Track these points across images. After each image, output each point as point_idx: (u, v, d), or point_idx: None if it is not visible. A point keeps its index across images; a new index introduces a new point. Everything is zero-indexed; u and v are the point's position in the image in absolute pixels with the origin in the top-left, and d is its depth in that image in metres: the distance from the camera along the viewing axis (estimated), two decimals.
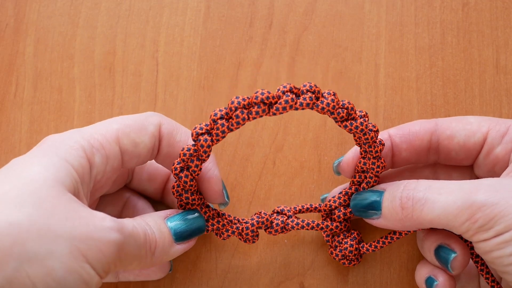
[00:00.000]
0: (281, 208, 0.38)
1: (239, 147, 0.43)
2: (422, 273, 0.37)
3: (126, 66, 0.44)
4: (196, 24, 0.45)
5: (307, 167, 0.42)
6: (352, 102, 0.36)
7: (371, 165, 0.36)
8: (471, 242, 0.34)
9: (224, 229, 0.37)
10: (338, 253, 0.38)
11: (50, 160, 0.30)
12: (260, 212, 0.37)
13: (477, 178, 0.37)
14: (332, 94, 0.32)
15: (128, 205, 0.39)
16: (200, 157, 0.33)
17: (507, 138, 0.35)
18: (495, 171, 0.36)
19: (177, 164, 0.34)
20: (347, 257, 0.38)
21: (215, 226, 0.36)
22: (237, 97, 0.31)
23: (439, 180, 0.34)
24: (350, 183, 0.38)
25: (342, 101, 0.33)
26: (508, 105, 0.43)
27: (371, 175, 0.36)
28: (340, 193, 0.38)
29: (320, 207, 0.38)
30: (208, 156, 0.33)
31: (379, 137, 0.37)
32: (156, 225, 0.33)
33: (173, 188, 0.35)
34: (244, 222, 0.37)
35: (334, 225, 0.38)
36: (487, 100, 0.43)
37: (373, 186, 0.37)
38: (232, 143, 0.42)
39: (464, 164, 0.38)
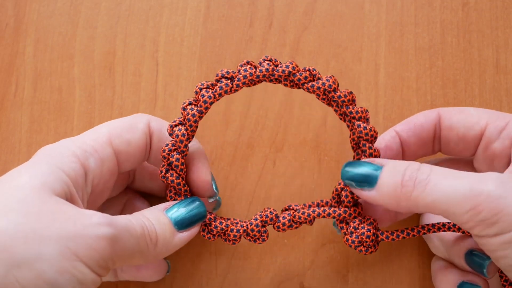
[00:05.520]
0: (288, 205, 0.37)
1: (239, 147, 0.43)
2: (450, 279, 0.36)
3: (126, 66, 0.44)
4: (196, 24, 0.45)
5: (307, 167, 0.42)
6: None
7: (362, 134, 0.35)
8: None
9: (229, 229, 0.36)
10: (355, 239, 0.35)
11: (39, 168, 0.30)
12: (267, 209, 0.36)
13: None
14: (291, 62, 0.34)
15: (127, 207, 0.39)
16: (188, 130, 0.34)
17: (505, 134, 0.35)
18: (494, 166, 0.36)
19: (165, 146, 0.35)
20: (364, 243, 0.35)
21: (218, 228, 0.36)
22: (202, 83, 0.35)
23: (443, 167, 0.32)
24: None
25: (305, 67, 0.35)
26: (508, 105, 0.43)
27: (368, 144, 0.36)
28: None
29: (327, 203, 0.37)
30: (196, 127, 0.34)
31: (386, 135, 0.37)
32: (155, 217, 0.33)
33: (161, 172, 0.35)
34: (251, 220, 0.36)
35: (342, 209, 0.36)
36: (487, 100, 0.43)
37: None
38: (232, 143, 0.42)
39: (465, 156, 0.37)
